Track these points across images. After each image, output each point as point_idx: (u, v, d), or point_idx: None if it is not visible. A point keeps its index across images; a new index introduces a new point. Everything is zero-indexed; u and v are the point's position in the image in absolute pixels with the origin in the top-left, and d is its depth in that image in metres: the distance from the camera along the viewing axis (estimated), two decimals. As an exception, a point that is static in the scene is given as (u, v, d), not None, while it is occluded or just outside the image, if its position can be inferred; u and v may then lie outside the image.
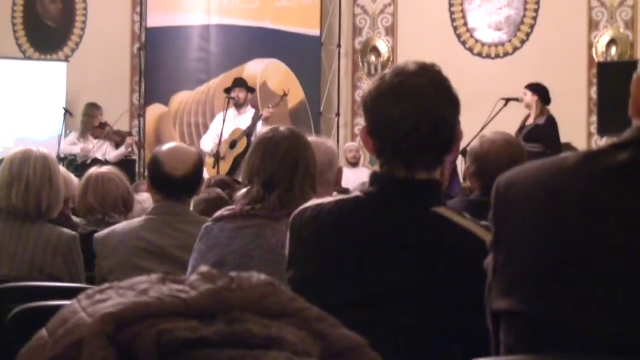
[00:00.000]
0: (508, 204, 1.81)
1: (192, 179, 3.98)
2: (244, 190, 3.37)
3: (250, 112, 10.75)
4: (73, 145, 11.50)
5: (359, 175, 10.81)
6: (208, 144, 10.73)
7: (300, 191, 3.24)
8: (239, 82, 10.82)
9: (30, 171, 3.91)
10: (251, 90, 10.90)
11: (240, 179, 8.82)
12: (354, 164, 11.69)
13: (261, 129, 9.77)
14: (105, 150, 11.40)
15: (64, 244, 3.91)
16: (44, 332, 1.09)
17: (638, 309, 1.59)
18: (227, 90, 10.72)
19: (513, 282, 1.75)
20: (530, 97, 9.50)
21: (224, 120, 10.32)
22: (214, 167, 10.19)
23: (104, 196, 4.79)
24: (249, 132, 10.35)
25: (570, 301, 1.65)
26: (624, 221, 1.63)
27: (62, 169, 5.52)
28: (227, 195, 5.38)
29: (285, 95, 11.09)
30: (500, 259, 1.79)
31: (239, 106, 10.62)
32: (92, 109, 11.55)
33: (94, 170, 4.99)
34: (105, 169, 5.01)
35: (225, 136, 10.45)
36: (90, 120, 11.48)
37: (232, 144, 10.49)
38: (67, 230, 4.04)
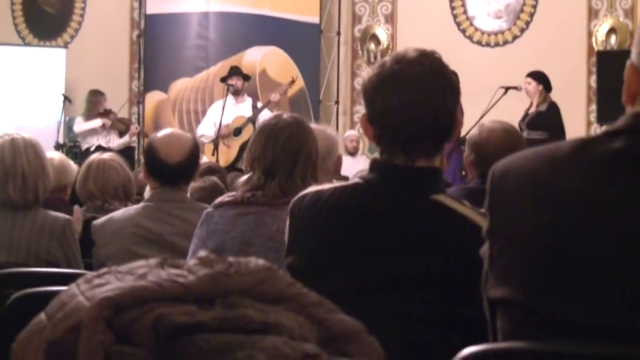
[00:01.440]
0: (503, 192, 1.81)
1: (187, 165, 3.97)
2: (245, 176, 3.36)
3: (248, 100, 10.74)
4: (90, 122, 11.43)
5: (357, 163, 10.81)
6: (206, 131, 10.69)
7: (301, 179, 3.23)
8: (235, 70, 10.81)
9: (24, 163, 3.89)
10: (247, 77, 10.89)
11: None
12: (353, 153, 11.68)
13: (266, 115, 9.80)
14: (109, 138, 11.37)
15: (58, 228, 3.91)
16: (42, 315, 1.09)
17: (633, 297, 1.60)
18: (224, 79, 10.70)
19: (509, 270, 1.75)
20: (534, 86, 9.49)
21: (224, 108, 10.31)
22: (213, 155, 10.18)
23: (104, 184, 4.78)
24: (254, 120, 10.35)
25: (565, 289, 1.65)
26: (618, 209, 1.63)
27: (61, 155, 5.53)
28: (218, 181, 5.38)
29: (292, 81, 11.13)
30: (496, 248, 1.79)
31: (237, 94, 10.60)
32: (96, 96, 11.50)
33: (95, 156, 4.98)
34: (106, 155, 4.99)
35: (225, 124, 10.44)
36: (94, 107, 11.43)
37: (237, 132, 10.49)
38: (60, 214, 4.04)
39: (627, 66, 1.78)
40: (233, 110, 10.57)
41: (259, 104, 10.70)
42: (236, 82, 10.55)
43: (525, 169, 1.78)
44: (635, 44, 1.77)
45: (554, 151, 1.75)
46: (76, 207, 4.82)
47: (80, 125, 11.47)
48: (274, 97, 10.71)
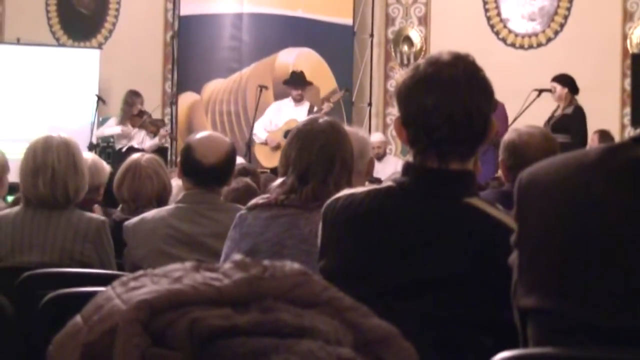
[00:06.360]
0: (530, 201, 1.80)
1: (222, 168, 3.97)
2: (280, 179, 3.36)
3: (305, 104, 11.18)
4: (112, 128, 11.53)
5: (385, 166, 10.76)
6: (261, 132, 11.23)
7: (335, 185, 3.21)
8: (298, 78, 11.30)
9: (55, 159, 3.90)
10: (308, 83, 11.50)
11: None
12: (378, 158, 11.64)
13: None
14: (142, 139, 11.43)
15: (92, 230, 3.91)
16: (78, 318, 1.09)
17: None
18: (287, 82, 11.39)
19: (539, 278, 1.75)
20: (560, 90, 9.44)
21: (280, 110, 10.71)
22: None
23: (137, 192, 4.70)
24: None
25: (596, 297, 1.65)
26: None
27: (93, 156, 5.53)
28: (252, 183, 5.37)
29: (346, 90, 11.37)
30: (525, 256, 1.79)
31: (297, 101, 11.03)
32: (132, 97, 11.52)
33: (134, 159, 4.85)
34: (145, 160, 4.81)
35: (280, 124, 10.76)
36: (129, 108, 11.46)
37: (286, 135, 10.63)
38: (95, 216, 4.06)
39: None
40: (292, 111, 10.94)
41: (315, 109, 10.98)
42: (301, 92, 10.99)
43: (552, 176, 1.77)
44: None
45: (581, 158, 1.75)
46: (95, 207, 4.81)
47: (104, 129, 11.61)
48: (326, 107, 11.13)
